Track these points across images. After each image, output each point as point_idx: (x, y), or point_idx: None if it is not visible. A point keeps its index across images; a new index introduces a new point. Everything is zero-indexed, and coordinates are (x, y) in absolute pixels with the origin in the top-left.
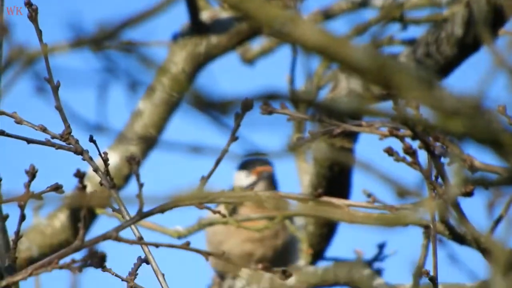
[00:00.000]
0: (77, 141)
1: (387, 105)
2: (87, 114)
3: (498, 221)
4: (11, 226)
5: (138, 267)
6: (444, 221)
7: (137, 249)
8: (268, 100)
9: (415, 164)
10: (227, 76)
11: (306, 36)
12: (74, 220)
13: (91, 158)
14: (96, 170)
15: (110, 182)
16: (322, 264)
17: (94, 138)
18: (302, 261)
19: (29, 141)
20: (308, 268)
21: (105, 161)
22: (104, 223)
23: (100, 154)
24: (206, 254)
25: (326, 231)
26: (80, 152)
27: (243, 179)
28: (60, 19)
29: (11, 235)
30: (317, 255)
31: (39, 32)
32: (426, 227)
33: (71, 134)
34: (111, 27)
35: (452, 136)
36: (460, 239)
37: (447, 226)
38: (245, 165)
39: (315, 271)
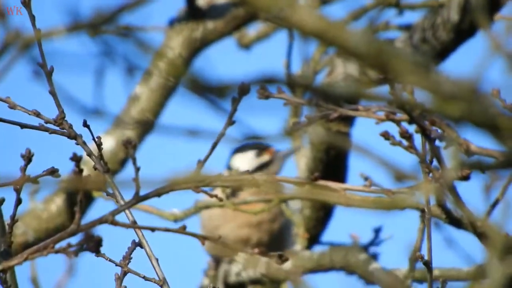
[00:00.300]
0: (70, 126)
1: (384, 89)
2: (84, 98)
3: (494, 205)
4: (6, 210)
5: (132, 251)
6: (441, 205)
7: (130, 233)
8: (265, 85)
9: (411, 148)
10: (223, 61)
11: (303, 21)
12: (70, 204)
13: (84, 143)
14: (89, 154)
15: (104, 167)
16: (318, 249)
17: (88, 122)
18: (298, 245)
19: (23, 126)
20: (304, 253)
21: (99, 145)
22: (100, 207)
23: (93, 139)
24: (202, 238)
25: (322, 215)
26: (73, 136)
27: (251, 160)
28: (57, 4)
29: (6, 219)
30: (313, 239)
31: (32, 18)
32: (423, 211)
33: (65, 119)
34: (108, 11)
35: (449, 120)
36: (456, 223)
37: (444, 210)
38: (249, 147)
39: (311, 255)
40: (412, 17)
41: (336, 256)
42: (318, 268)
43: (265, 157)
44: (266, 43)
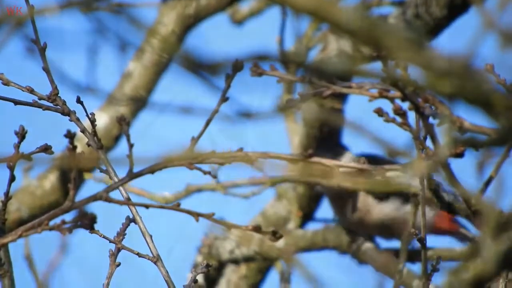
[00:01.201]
0: (64, 102)
1: (377, 66)
2: (78, 75)
3: (488, 182)
4: (0, 187)
5: (126, 227)
6: (432, 188)
7: (124, 210)
8: (258, 62)
9: (405, 125)
10: (216, 37)
11: None
12: (64, 181)
13: (78, 119)
14: (83, 130)
15: (97, 143)
16: (311, 227)
17: (82, 99)
18: (291, 223)
19: (17, 102)
20: (297, 231)
21: (93, 122)
22: (93, 184)
23: (87, 115)
24: (196, 215)
25: (316, 192)
26: (67, 113)
27: None
28: None
29: (0, 196)
30: (307, 217)
31: None
32: (414, 195)
33: (59, 95)
34: None
35: (442, 96)
36: (448, 206)
37: (435, 194)
38: None
39: (304, 233)
40: None
41: (329, 235)
42: (311, 247)
43: None
44: (259, 19)
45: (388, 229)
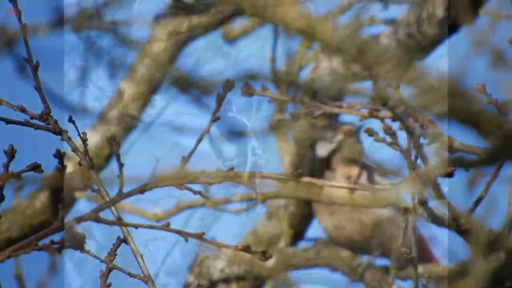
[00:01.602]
0: (56, 121)
1: (368, 85)
2: (69, 94)
3: (478, 201)
4: None
5: (117, 247)
6: (423, 203)
7: (115, 229)
8: (249, 81)
9: (394, 144)
10: (208, 56)
11: (287, 17)
12: (55, 201)
13: (70, 138)
14: (74, 150)
15: (89, 163)
16: (302, 245)
17: (73, 118)
18: (282, 242)
19: (9, 121)
20: (288, 250)
21: (84, 141)
22: (85, 203)
23: (79, 134)
24: (186, 235)
25: (307, 211)
26: (59, 132)
27: (328, 142)
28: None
29: None
30: (298, 235)
31: (18, 12)
32: (405, 210)
33: (50, 114)
34: (93, 7)
35: (432, 116)
36: (438, 221)
37: (426, 209)
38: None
39: (295, 252)
40: (398, 11)
41: (321, 253)
42: (303, 265)
43: (338, 137)
44: (252, 38)
45: (377, 236)
